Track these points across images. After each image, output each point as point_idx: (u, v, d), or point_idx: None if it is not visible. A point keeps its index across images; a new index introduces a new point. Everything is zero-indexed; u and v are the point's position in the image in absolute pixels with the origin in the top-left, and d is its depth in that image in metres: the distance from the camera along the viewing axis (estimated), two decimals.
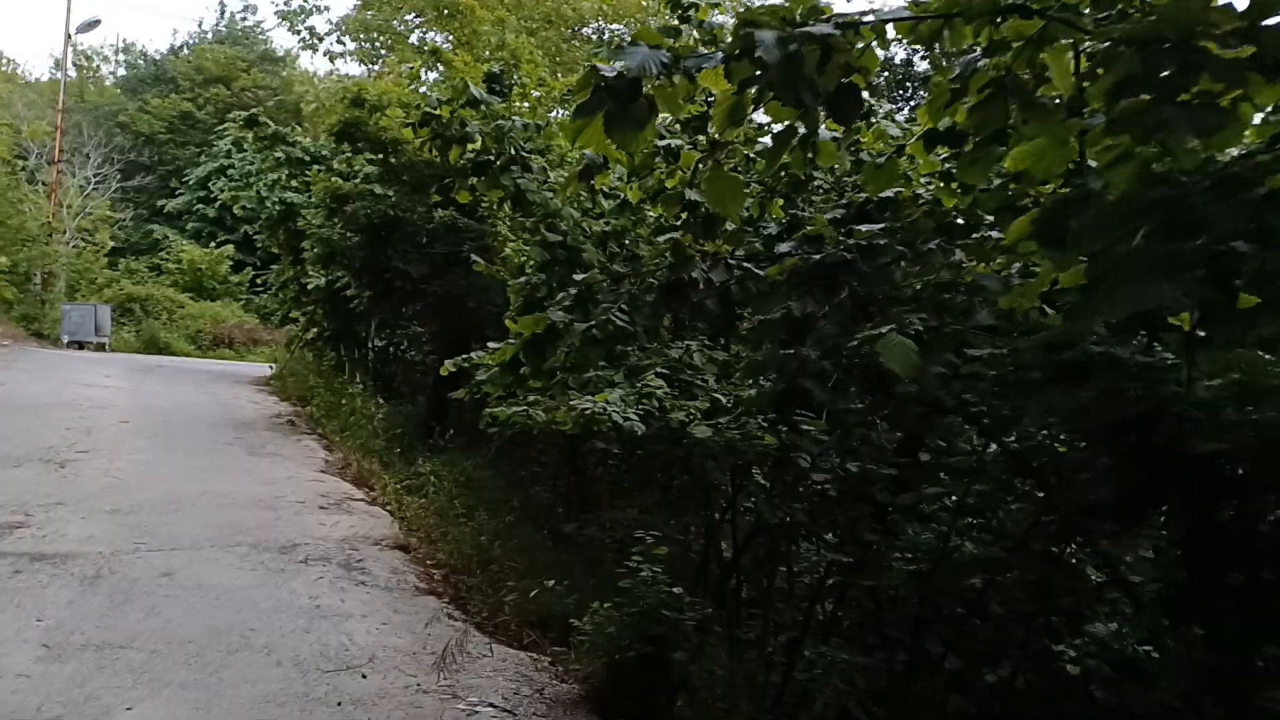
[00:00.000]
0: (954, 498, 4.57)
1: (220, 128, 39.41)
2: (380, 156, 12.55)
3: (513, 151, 6.97)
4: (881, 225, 3.66)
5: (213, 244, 36.63)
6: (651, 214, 8.93)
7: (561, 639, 6.05)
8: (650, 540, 5.19)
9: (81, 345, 24.85)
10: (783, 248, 3.62)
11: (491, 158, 6.98)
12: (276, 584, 5.98)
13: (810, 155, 3.04)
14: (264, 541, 6.89)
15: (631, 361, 6.36)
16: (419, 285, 11.94)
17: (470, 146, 6.91)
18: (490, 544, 7.22)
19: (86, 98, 43.22)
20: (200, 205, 39.23)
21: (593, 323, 3.54)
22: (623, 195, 7.93)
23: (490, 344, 8.85)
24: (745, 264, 3.59)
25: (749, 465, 6.40)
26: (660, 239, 4.32)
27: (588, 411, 5.72)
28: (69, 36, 31.75)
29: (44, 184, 30.91)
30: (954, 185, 3.84)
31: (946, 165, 3.86)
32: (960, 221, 3.97)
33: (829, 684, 4.50)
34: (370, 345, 18.20)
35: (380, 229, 12.23)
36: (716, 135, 3.98)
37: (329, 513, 8.05)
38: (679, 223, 3.97)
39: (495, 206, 10.44)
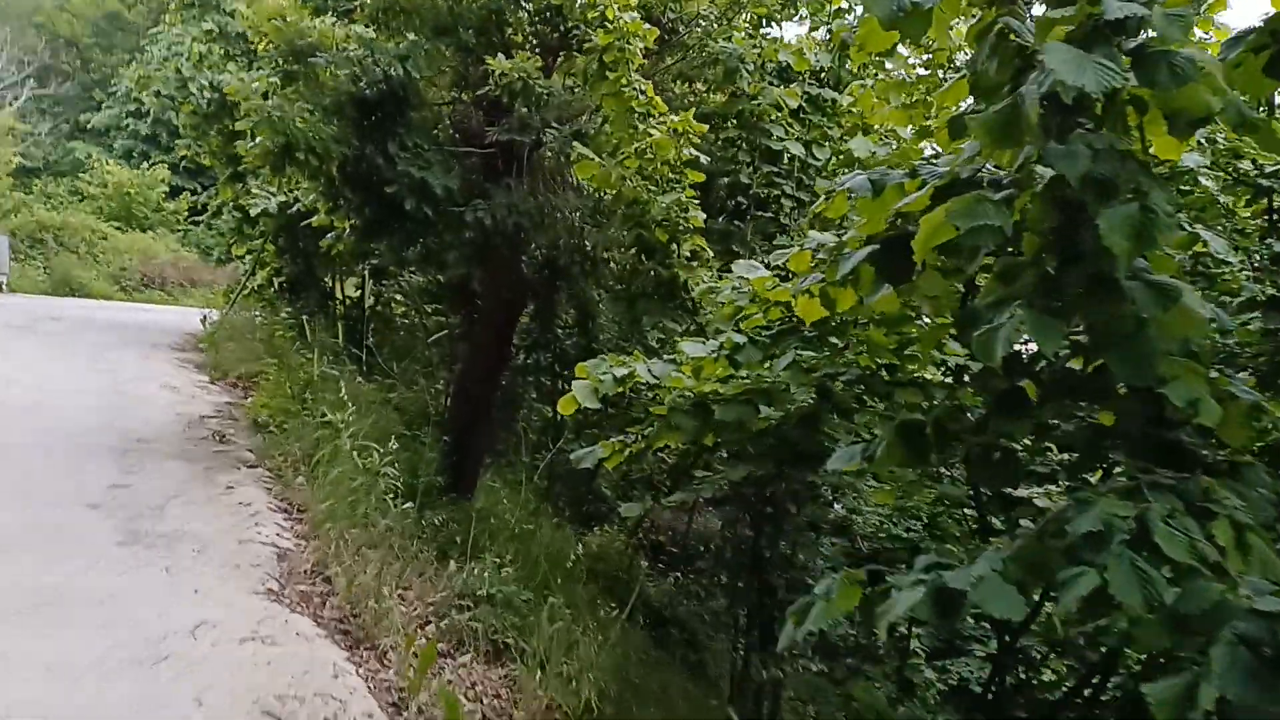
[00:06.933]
0: None
1: (153, 30, 33.05)
2: None
3: None
4: None
5: (145, 165, 30.47)
6: None
7: None
8: None
9: None
10: None
11: None
12: None
13: None
14: None
15: None
16: (446, 209, 6.72)
17: None
18: None
19: None
20: (131, 120, 33.04)
21: None
22: None
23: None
24: None
25: None
26: None
27: None
28: None
29: None
30: None
31: None
32: None
33: None
34: (342, 299, 12.93)
35: (376, 107, 6.92)
36: None
37: None
38: None
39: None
